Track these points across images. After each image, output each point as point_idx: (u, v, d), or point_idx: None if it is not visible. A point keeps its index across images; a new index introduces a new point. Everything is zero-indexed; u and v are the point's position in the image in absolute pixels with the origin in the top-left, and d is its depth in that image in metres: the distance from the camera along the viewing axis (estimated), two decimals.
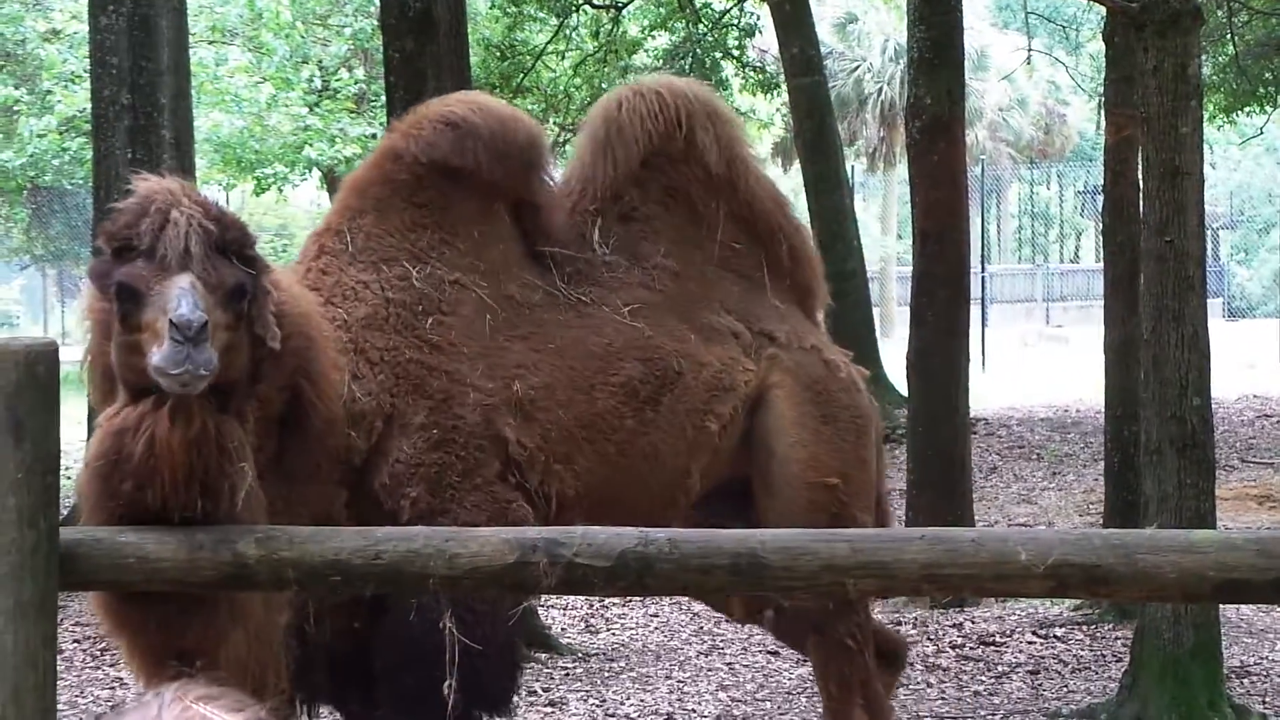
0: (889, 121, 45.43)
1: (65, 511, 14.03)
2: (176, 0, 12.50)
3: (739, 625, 10.76)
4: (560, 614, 11.30)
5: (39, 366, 4.48)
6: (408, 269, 5.59)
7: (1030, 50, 23.84)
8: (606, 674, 9.80)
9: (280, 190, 27.55)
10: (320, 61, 26.76)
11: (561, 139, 22.47)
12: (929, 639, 10.57)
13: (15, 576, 4.41)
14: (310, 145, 25.67)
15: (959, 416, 12.04)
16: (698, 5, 23.78)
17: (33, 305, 54.01)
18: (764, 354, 6.15)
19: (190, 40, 14.90)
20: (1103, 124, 11.98)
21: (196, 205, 4.73)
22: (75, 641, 10.61)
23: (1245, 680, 9.41)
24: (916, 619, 11.02)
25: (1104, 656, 9.99)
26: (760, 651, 10.15)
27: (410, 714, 5.30)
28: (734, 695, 9.10)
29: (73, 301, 49.92)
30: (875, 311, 24.33)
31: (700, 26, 24.14)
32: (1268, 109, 25.64)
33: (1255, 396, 23.83)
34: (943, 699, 9.25)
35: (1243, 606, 10.50)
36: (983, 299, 32.12)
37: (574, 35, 24.12)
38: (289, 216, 40.34)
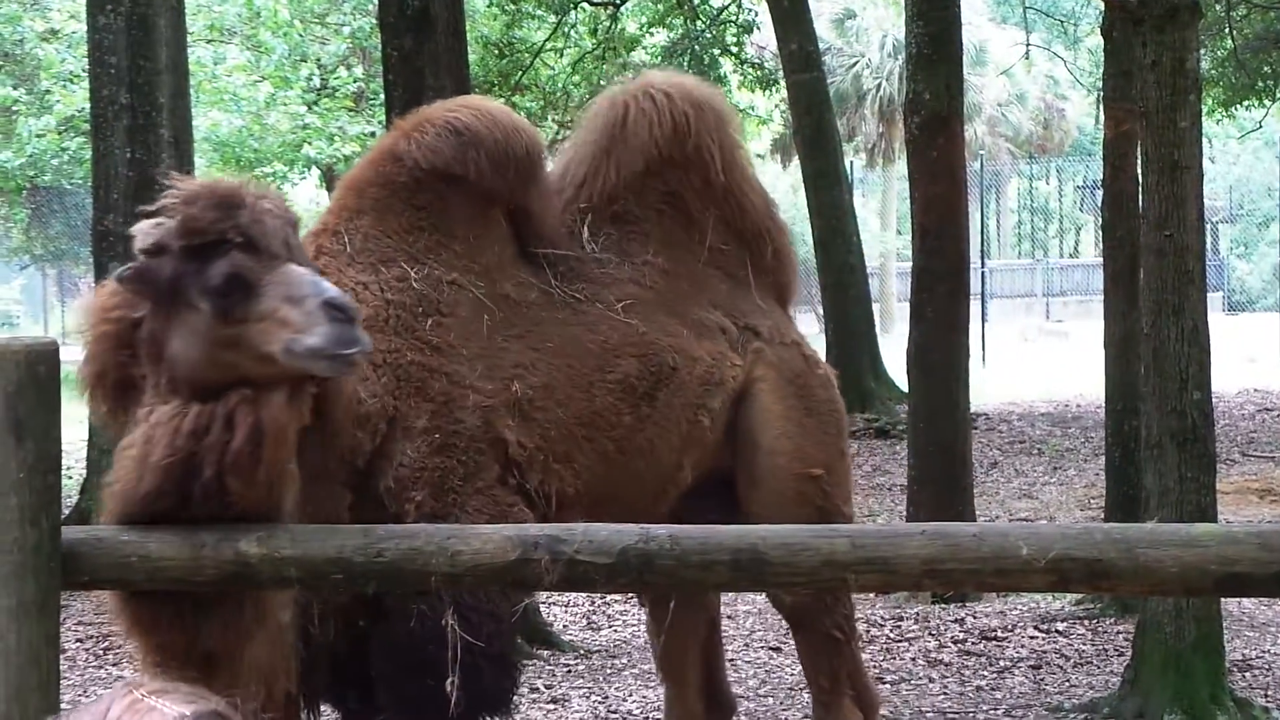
0: (888, 117, 45.42)
1: (67, 511, 14.04)
2: None
3: (739, 622, 10.79)
4: (562, 611, 11.31)
5: (40, 366, 4.48)
6: (406, 270, 5.59)
7: (1029, 45, 23.89)
8: (608, 671, 9.80)
9: (280, 189, 27.55)
10: (319, 60, 26.76)
11: (560, 136, 22.49)
12: (930, 634, 10.57)
13: (17, 576, 4.41)
14: (309, 144, 25.68)
15: (959, 412, 12.05)
16: (695, 2, 23.80)
17: (33, 305, 54.04)
18: (750, 348, 6.18)
19: (188, 39, 14.90)
20: (1101, 119, 11.99)
21: (272, 197, 4.77)
22: (78, 641, 10.62)
23: (1247, 674, 9.41)
24: (918, 614, 11.03)
25: (1106, 651, 10.00)
26: (762, 647, 10.16)
27: (413, 714, 5.30)
28: (736, 692, 9.09)
29: (73, 301, 49.95)
30: (875, 307, 24.35)
31: (698, 23, 24.16)
32: (1266, 103, 25.64)
33: (1256, 390, 23.85)
34: (945, 694, 9.25)
35: (1244, 600, 10.50)
36: (982, 294, 32.14)
37: (572, 32, 24.13)
38: None
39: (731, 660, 9.91)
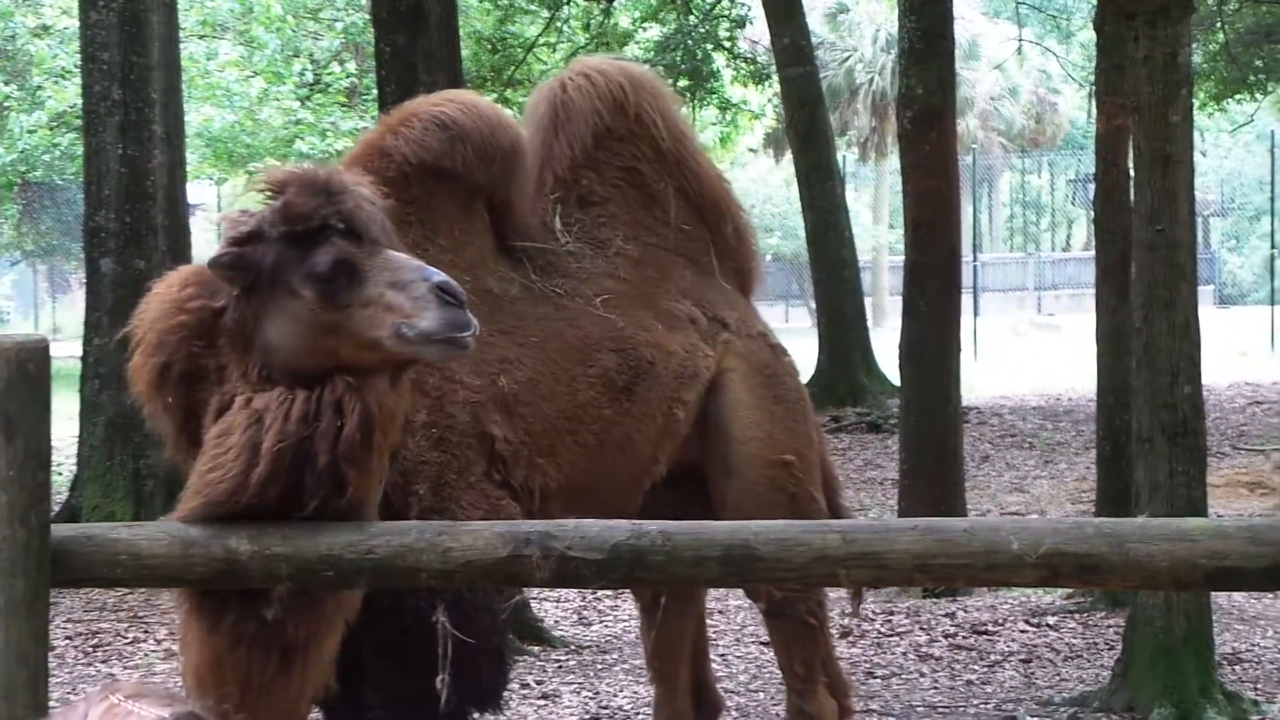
0: (880, 111, 45.47)
1: (56, 508, 14.04)
2: None
3: (730, 617, 10.79)
4: (553, 606, 11.31)
5: (30, 364, 4.47)
6: None
7: (1021, 39, 23.91)
8: (599, 666, 9.80)
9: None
10: (311, 55, 26.77)
11: None
12: (921, 628, 10.58)
13: (7, 573, 4.41)
14: (302, 139, 25.69)
15: (951, 405, 12.05)
16: None
17: (23, 301, 53.92)
18: (719, 339, 6.25)
19: (181, 34, 14.89)
20: (1094, 113, 11.99)
21: (367, 184, 4.78)
22: (67, 638, 10.61)
23: (1237, 667, 9.42)
24: (909, 608, 11.03)
25: (1096, 644, 10.01)
26: (753, 642, 10.16)
27: (405, 712, 5.29)
28: (727, 686, 9.10)
29: (64, 297, 49.90)
30: (867, 301, 24.37)
31: (691, 18, 24.15)
32: (1258, 96, 25.70)
33: (1247, 383, 23.87)
34: (935, 688, 9.26)
35: (1234, 594, 10.51)
36: (974, 288, 32.15)
37: (565, 28, 24.11)
38: None
39: (723, 655, 9.91)
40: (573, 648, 10.22)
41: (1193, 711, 8.21)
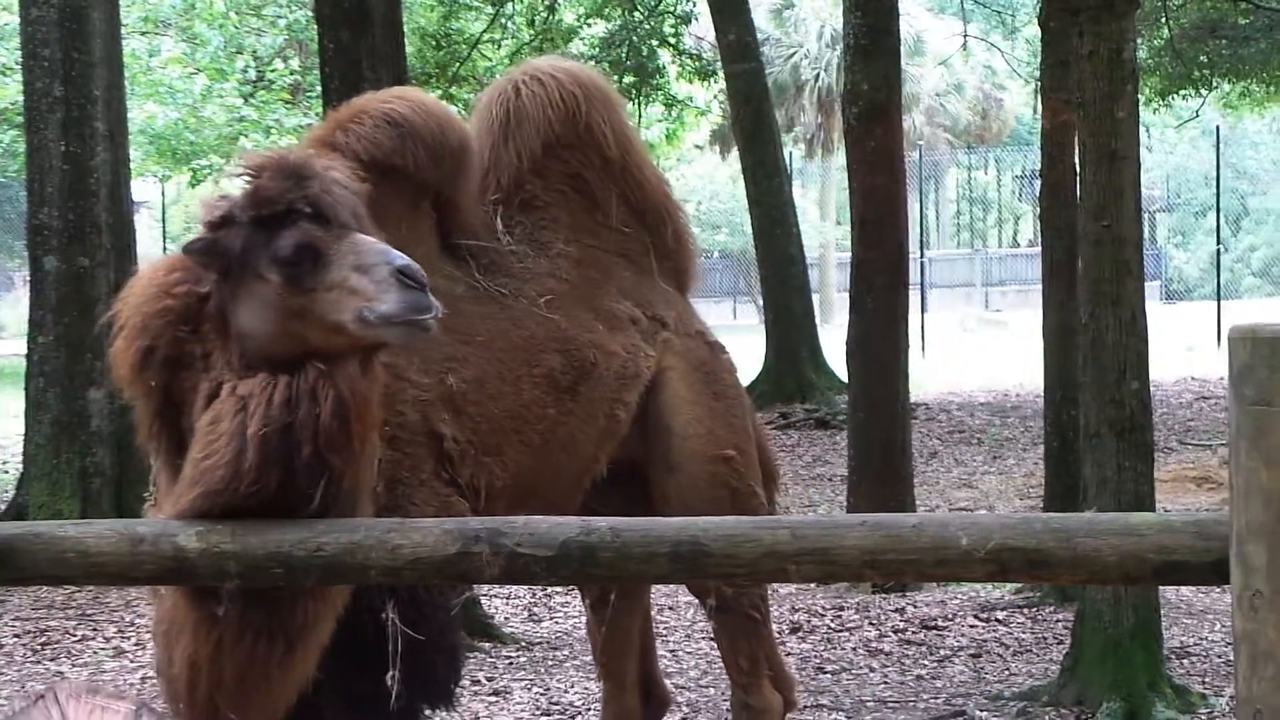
0: (826, 108, 45.56)
1: (4, 506, 13.91)
2: None
3: (680, 613, 10.79)
4: (503, 603, 11.30)
5: None
6: None
7: (966, 35, 23.97)
8: (550, 663, 9.79)
9: (216, 182, 27.44)
10: (255, 52, 26.68)
11: None
12: (871, 623, 10.60)
13: None
14: (246, 136, 25.60)
15: (899, 402, 12.07)
16: None
17: None
18: (658, 339, 6.28)
19: (123, 31, 14.81)
20: (1039, 109, 12.03)
21: (340, 169, 4.76)
22: (15, 636, 10.55)
23: (1185, 660, 9.47)
24: (859, 604, 11.05)
25: (1045, 639, 10.05)
26: (704, 638, 10.16)
27: (360, 712, 5.27)
28: (677, 682, 9.11)
29: (7, 295, 49.60)
30: (815, 298, 24.39)
31: (636, 14, 24.14)
32: (1203, 92, 25.82)
33: (1193, 379, 23.99)
34: (885, 683, 9.28)
35: (1182, 588, 10.56)
36: (922, 284, 32.25)
37: (510, 24, 24.09)
38: None
39: (673, 651, 9.92)
40: (523, 644, 10.21)
41: (1141, 705, 8.24)
